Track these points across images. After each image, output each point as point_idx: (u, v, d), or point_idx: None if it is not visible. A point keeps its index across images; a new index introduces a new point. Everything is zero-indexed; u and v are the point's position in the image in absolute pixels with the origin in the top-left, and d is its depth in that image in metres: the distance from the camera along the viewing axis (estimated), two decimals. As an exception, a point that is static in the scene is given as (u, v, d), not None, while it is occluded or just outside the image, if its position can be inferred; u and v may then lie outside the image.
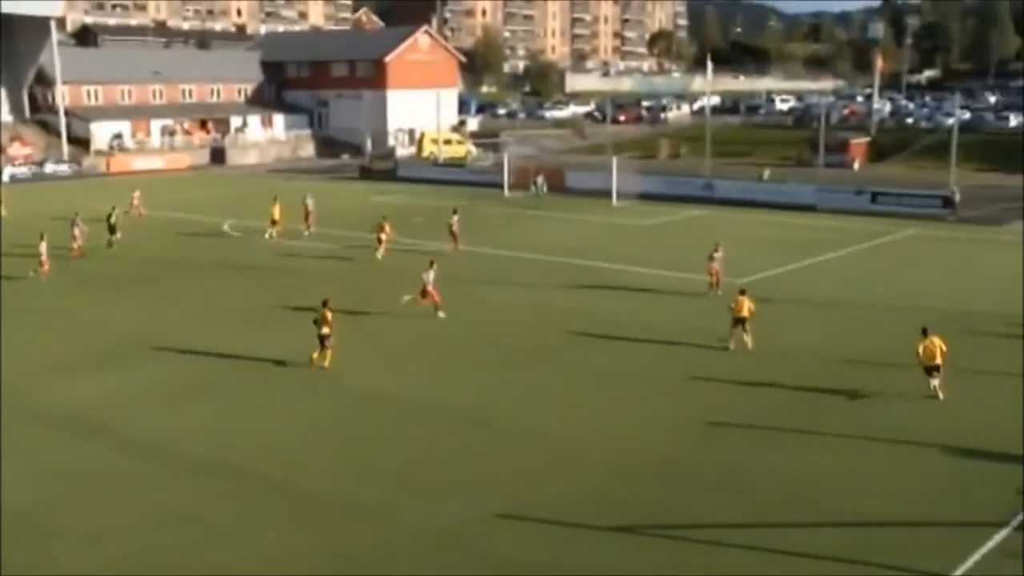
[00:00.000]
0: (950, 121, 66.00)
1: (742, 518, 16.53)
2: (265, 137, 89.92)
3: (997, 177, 64.45)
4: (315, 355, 24.55)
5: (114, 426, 20.83)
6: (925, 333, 22.19)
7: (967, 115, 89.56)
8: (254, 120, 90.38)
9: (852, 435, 20.02)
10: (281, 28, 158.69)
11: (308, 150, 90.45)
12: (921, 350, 22.07)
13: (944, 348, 21.96)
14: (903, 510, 16.77)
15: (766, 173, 63.43)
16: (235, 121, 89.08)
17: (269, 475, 18.34)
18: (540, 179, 55.55)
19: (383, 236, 39.32)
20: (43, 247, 35.64)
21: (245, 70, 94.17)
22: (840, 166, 69.13)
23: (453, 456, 19.26)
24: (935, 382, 22.04)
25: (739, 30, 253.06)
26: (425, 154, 78.90)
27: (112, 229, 41.86)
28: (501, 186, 58.62)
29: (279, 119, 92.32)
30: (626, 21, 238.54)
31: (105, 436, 20.26)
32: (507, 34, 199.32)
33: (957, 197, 49.66)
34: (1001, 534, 15.77)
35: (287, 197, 48.48)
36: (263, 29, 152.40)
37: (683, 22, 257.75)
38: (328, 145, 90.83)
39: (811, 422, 20.80)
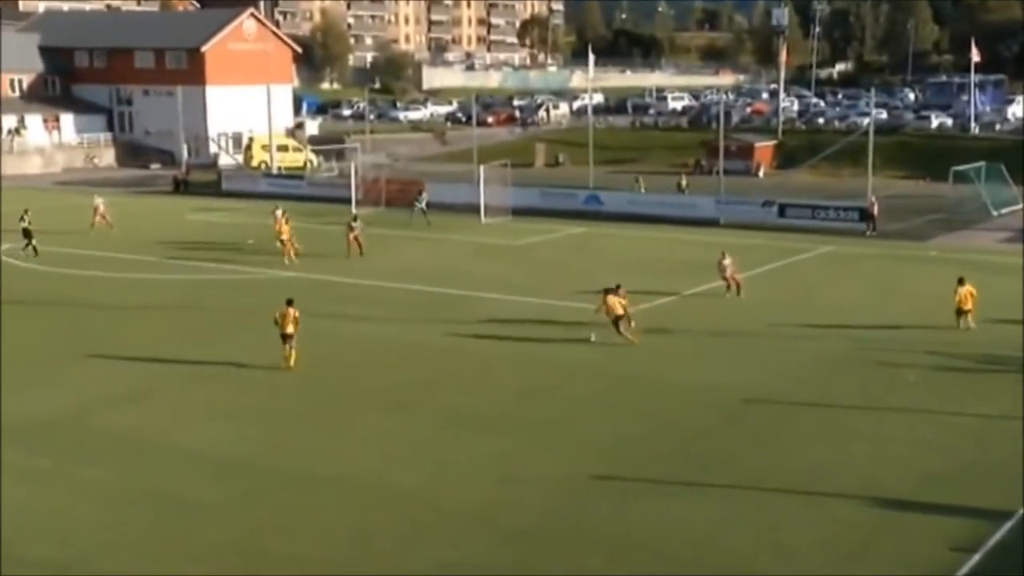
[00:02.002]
0: (865, 122, 68.71)
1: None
2: (50, 142, 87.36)
3: (919, 185, 67.32)
4: (285, 355, 27.99)
5: None
6: (962, 282, 31.75)
7: (884, 115, 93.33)
8: (34, 120, 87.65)
9: (759, 484, 20.54)
10: (66, 6, 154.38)
11: (107, 158, 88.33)
12: (958, 297, 31.52)
13: (974, 294, 31.55)
14: (820, 569, 17.23)
15: (642, 184, 64.82)
16: (8, 121, 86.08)
17: (51, 559, 17.76)
18: (424, 195, 55.58)
19: (284, 239, 43.87)
20: None
21: (19, 57, 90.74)
22: (743, 173, 71.17)
23: (292, 526, 18.97)
24: (963, 322, 31.58)
25: (624, 17, 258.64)
26: (255, 163, 77.95)
27: (27, 234, 44.83)
28: (348, 201, 58.36)
29: (68, 119, 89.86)
30: (492, 6, 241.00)
31: None
32: (351, 20, 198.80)
33: (876, 209, 51.59)
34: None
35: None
36: (41, 7, 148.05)
37: (559, 7, 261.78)
38: (133, 152, 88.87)
39: (713, 470, 21.27)
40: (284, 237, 44.10)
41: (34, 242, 45.15)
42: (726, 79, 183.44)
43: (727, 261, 37.28)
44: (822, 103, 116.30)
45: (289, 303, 28.37)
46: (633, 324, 30.70)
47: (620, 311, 30.24)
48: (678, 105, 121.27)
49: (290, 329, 28.08)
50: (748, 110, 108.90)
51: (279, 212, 46.86)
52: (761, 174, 74.99)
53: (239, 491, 20.57)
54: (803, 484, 20.56)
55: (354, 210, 53.70)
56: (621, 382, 27.41)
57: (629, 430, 23.83)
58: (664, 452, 22.52)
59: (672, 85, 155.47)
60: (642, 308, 34.70)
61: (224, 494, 20.44)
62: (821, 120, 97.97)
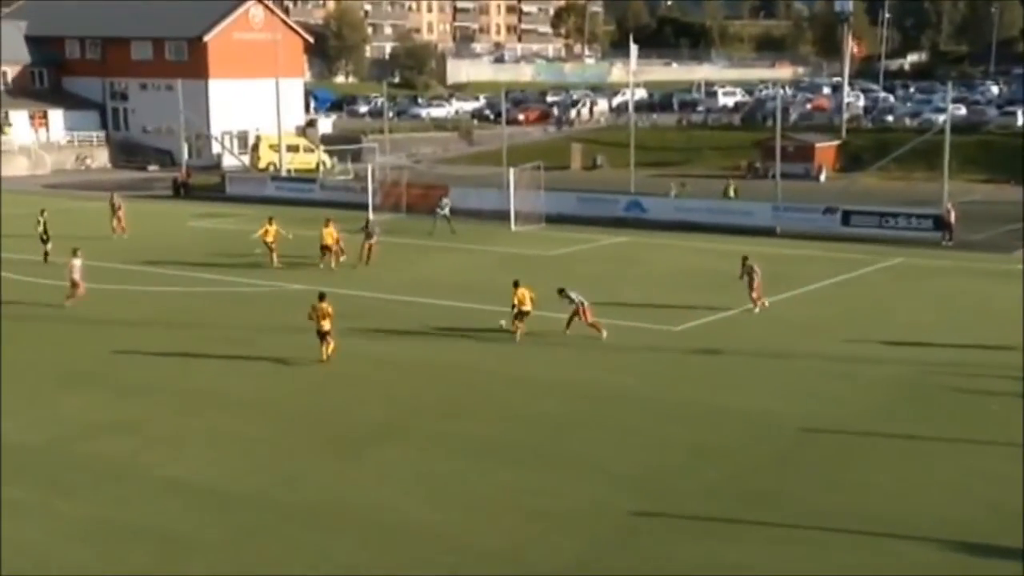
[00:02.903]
0: (941, 119, 68.34)
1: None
2: (38, 140, 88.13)
3: (1002, 190, 66.95)
4: (323, 350, 30.63)
5: None
6: None
7: (962, 111, 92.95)
8: (20, 117, 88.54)
9: (821, 524, 20.37)
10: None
11: (100, 158, 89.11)
12: None
13: None
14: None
15: (673, 188, 64.72)
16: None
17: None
18: (446, 200, 55.68)
19: (334, 245, 44.76)
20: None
21: (4, 47, 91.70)
22: (803, 177, 71.09)
23: (300, 567, 18.97)
24: None
25: (670, 3, 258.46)
26: (263, 165, 78.46)
27: (44, 239, 46.19)
28: (365, 207, 58.60)
29: (57, 116, 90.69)
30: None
31: None
32: (368, 7, 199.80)
33: (953, 216, 51.32)
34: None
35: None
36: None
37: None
38: (128, 152, 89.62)
39: (767, 508, 21.13)
40: (330, 244, 44.61)
41: (49, 247, 45.85)
42: (783, 72, 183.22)
43: (757, 269, 36.83)
44: (892, 98, 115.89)
45: (321, 298, 30.71)
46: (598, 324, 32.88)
47: (527, 306, 32.71)
48: (730, 101, 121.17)
49: (326, 325, 30.30)
50: (808, 106, 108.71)
51: (332, 227, 46.48)
52: (823, 178, 74.83)
53: (240, 527, 20.63)
54: (870, 525, 20.35)
55: (371, 216, 54.14)
56: (662, 408, 27.32)
57: (671, 462, 23.71)
58: (711, 487, 22.38)
59: (723, 79, 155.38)
60: (689, 326, 34.70)
61: (223, 531, 20.49)
62: (890, 117, 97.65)
